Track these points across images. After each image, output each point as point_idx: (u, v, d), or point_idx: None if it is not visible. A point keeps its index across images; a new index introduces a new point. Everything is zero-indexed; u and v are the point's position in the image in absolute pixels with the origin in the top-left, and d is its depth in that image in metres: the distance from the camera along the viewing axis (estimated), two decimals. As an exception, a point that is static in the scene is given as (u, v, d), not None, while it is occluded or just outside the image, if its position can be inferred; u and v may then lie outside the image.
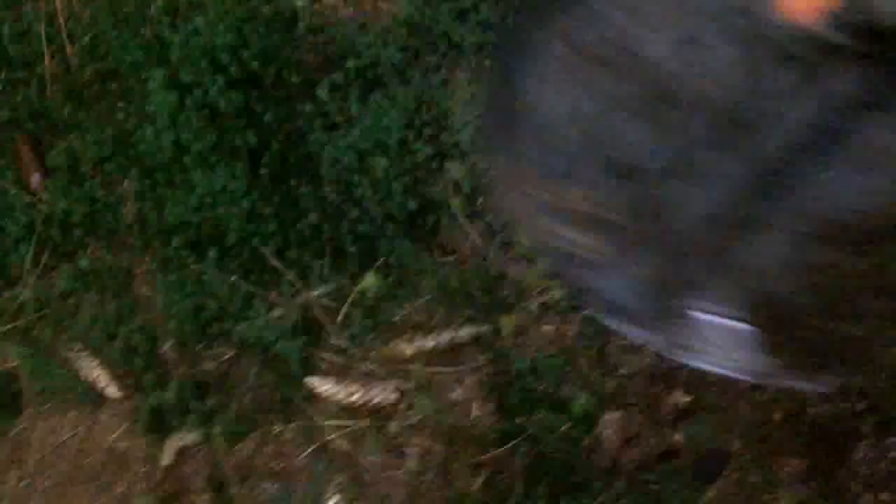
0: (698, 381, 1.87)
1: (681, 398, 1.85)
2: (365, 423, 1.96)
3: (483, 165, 1.94)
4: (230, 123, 2.00)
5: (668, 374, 1.88)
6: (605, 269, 0.95)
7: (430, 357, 1.96)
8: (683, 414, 1.86)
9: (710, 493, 1.82)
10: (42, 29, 2.21)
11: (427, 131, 1.99)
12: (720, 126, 0.85)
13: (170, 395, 2.00)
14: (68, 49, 2.19)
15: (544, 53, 0.93)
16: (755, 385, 1.82)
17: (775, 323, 0.91)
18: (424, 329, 1.97)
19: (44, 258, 2.09)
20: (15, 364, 2.10)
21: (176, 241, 1.99)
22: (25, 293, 2.09)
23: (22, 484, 2.06)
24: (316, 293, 1.97)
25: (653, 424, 1.86)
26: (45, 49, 2.19)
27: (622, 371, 1.90)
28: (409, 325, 1.98)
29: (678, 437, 1.85)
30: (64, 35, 2.19)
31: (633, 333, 1.00)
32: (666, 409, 1.86)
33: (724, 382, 1.85)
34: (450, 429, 1.93)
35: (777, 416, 1.81)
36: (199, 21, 2.04)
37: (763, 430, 1.82)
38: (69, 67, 2.19)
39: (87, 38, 2.20)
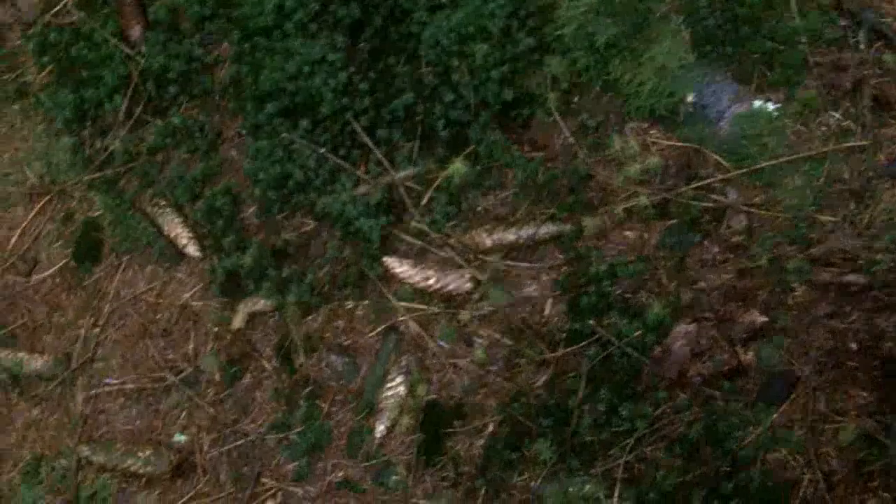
0: (777, 302, 2.03)
1: (757, 318, 2.02)
2: (437, 308, 2.17)
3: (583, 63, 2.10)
4: (334, -6, 2.19)
5: (747, 293, 2.05)
6: None
7: (509, 250, 2.15)
8: (757, 334, 2.03)
9: (774, 415, 2.00)
10: None
11: (531, 22, 2.16)
12: None
13: (247, 259, 2.22)
14: None
15: None
16: (834, 312, 1.98)
17: None
18: (506, 222, 2.16)
19: (137, 111, 2.32)
20: (99, 213, 2.35)
21: (269, 108, 2.20)
22: (115, 144, 2.33)
23: (95, 331, 2.33)
24: (402, 174, 2.17)
25: (724, 341, 2.03)
26: None
27: (700, 285, 2.07)
28: (491, 217, 2.18)
29: (749, 356, 2.02)
30: None
31: None
32: (740, 328, 2.03)
33: (802, 306, 2.02)
34: (520, 324, 2.13)
35: (852, 346, 1.97)
36: None
37: (836, 359, 1.99)
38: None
39: None
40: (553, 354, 2.09)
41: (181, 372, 2.26)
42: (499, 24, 2.14)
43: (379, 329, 2.19)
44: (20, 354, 2.34)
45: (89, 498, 2.27)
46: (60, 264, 2.36)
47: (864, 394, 1.96)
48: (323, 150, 2.18)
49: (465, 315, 2.14)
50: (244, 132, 2.27)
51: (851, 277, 1.94)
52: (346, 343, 2.21)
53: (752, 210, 2.06)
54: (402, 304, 2.17)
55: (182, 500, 2.22)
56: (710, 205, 2.07)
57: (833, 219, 2.01)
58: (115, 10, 2.37)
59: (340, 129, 2.19)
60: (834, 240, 1.98)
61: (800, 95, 2.08)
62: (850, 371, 1.96)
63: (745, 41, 2.12)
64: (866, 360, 1.93)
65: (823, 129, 2.08)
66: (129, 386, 2.29)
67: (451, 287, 2.14)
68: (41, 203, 2.39)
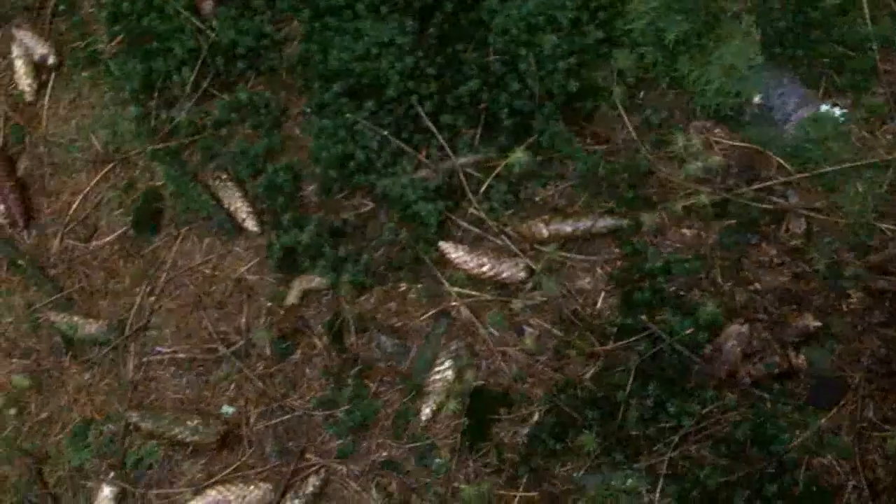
0: (831, 308, 2.12)
1: (811, 322, 2.11)
2: (490, 295, 2.29)
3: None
4: (406, -22, 2.31)
5: (802, 297, 2.14)
6: None
7: (565, 242, 2.26)
8: (809, 338, 2.12)
9: (823, 420, 2.09)
10: None
11: (601, 15, 2.26)
12: None
13: (305, 237, 2.35)
14: None
15: None
16: (889, 320, 2.07)
17: None
18: (564, 213, 2.27)
19: (204, 85, 2.45)
20: (160, 184, 2.49)
21: (336, 87, 2.32)
22: (181, 116, 2.46)
23: (150, 300, 2.47)
24: (463, 160, 2.29)
25: (776, 343, 2.12)
26: None
27: (755, 286, 2.17)
28: (549, 207, 2.29)
29: (800, 360, 2.12)
30: None
31: None
32: (793, 331, 2.12)
33: (857, 313, 2.11)
34: (571, 315, 2.24)
35: (905, 356, 2.06)
36: None
37: (887, 367, 2.07)
38: None
39: None
40: (603, 348, 2.20)
41: (232, 344, 2.39)
42: (569, 15, 2.25)
43: (430, 313, 2.31)
44: (75, 318, 2.48)
45: (135, 463, 2.40)
46: (120, 232, 2.50)
47: (915, 404, 2.04)
48: (386, 133, 2.30)
49: (517, 304, 2.26)
50: (309, 111, 2.40)
51: (908, 286, 2.02)
52: (397, 325, 2.33)
53: (813, 214, 2.16)
54: (455, 289, 2.29)
55: (226, 471, 2.35)
56: (770, 207, 2.17)
57: (893, 227, 2.10)
58: (187, -17, 2.51)
59: (404, 112, 2.31)
60: (893, 248, 2.07)
61: (867, 102, 2.17)
62: (902, 381, 2.05)
63: (815, 45, 2.21)
64: (919, 371, 2.02)
65: (889, 136, 2.16)
66: (181, 355, 2.42)
67: (504, 275, 2.25)
68: (104, 171, 2.53)
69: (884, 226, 2.10)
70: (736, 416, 2.12)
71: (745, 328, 2.11)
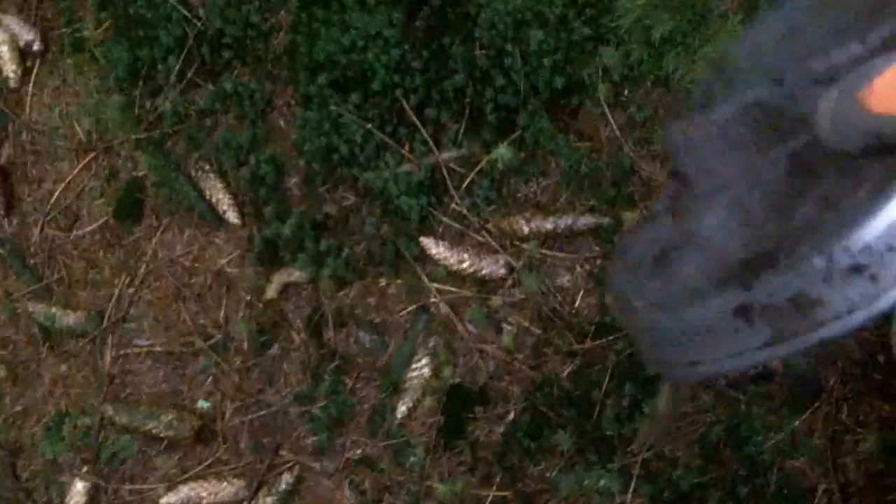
0: (808, 309, 2.35)
1: (787, 323, 2.33)
2: (469, 292, 2.52)
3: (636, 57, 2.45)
4: (395, -30, 2.56)
5: (780, 298, 2.37)
6: None
7: (546, 239, 2.50)
8: (786, 340, 2.34)
9: (797, 422, 2.31)
10: None
11: (589, 11, 2.50)
12: None
13: (286, 230, 2.59)
14: None
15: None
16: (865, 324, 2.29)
17: None
18: (545, 210, 2.51)
19: (189, 73, 2.70)
20: (143, 173, 2.74)
21: (321, 79, 2.57)
22: (166, 105, 2.71)
23: (129, 291, 2.72)
24: (446, 155, 2.53)
25: (753, 344, 2.35)
26: None
27: (734, 286, 2.39)
28: (531, 204, 2.53)
29: (776, 362, 2.34)
30: None
31: None
32: (770, 332, 2.34)
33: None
34: (550, 313, 2.47)
35: (881, 358, 2.27)
36: None
37: (864, 370, 2.30)
38: None
39: None
40: (581, 346, 2.43)
41: (210, 338, 2.63)
42: (556, 10, 2.49)
43: (410, 308, 2.55)
44: (54, 309, 2.73)
45: (109, 458, 2.65)
46: (101, 221, 2.75)
47: (888, 406, 2.26)
48: (370, 126, 2.55)
49: (496, 300, 2.49)
50: (294, 102, 2.64)
51: (886, 289, 2.24)
52: (376, 320, 2.57)
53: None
54: (435, 285, 2.52)
55: (200, 466, 2.59)
56: (752, 207, 2.40)
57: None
58: (177, -29, 2.77)
59: (389, 105, 2.55)
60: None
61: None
62: (877, 384, 2.26)
63: (804, 46, 2.44)
64: (893, 373, 2.23)
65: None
66: (158, 349, 2.67)
67: (485, 271, 2.49)
68: (87, 159, 2.78)
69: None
70: (711, 416, 2.34)
71: (722, 329, 2.33)
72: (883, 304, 1.02)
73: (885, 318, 1.86)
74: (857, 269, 0.99)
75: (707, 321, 1.04)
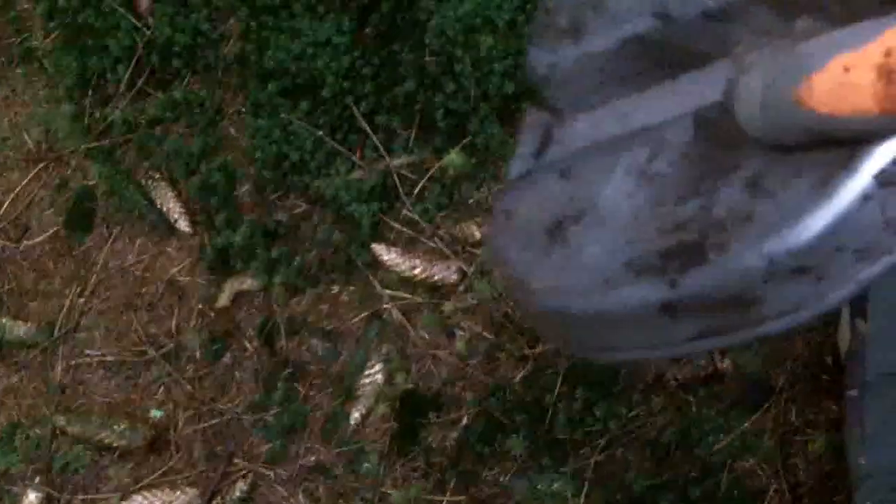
0: (757, 311, 2.38)
1: (736, 325, 2.36)
2: (421, 298, 2.54)
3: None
4: (344, -22, 2.58)
5: (729, 300, 2.39)
6: None
7: (498, 244, 2.51)
8: (736, 342, 2.37)
9: (747, 424, 2.34)
10: None
11: (537, 17, 2.53)
12: None
13: (238, 238, 2.60)
14: None
15: None
16: (813, 325, 2.33)
17: None
18: (497, 215, 2.53)
19: (139, 83, 2.71)
20: (93, 183, 2.74)
21: (271, 87, 2.58)
22: (116, 114, 2.72)
23: (80, 301, 2.72)
24: (397, 162, 2.55)
25: (703, 347, 2.38)
26: None
27: (684, 289, 2.42)
28: (483, 209, 2.54)
29: (726, 363, 2.37)
30: None
31: None
32: (719, 334, 2.37)
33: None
34: (502, 318, 2.49)
35: (828, 360, 2.31)
36: None
37: (812, 371, 2.33)
38: None
39: None
40: (532, 350, 2.45)
41: (162, 347, 2.63)
42: (505, 16, 2.51)
43: (362, 315, 2.56)
44: (4, 320, 2.72)
45: (62, 468, 2.64)
46: (51, 231, 2.74)
47: (836, 407, 2.30)
48: (321, 133, 2.56)
49: (448, 306, 2.51)
50: (244, 110, 2.65)
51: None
52: (328, 328, 2.57)
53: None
54: (388, 291, 2.54)
55: (153, 476, 2.59)
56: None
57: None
58: (125, -21, 2.77)
59: (340, 112, 2.57)
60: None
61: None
62: (825, 384, 2.30)
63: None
64: (841, 374, 2.27)
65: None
66: (110, 358, 2.66)
67: (437, 277, 2.51)
68: (36, 169, 2.78)
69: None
70: (662, 419, 2.37)
71: (672, 331, 2.36)
72: (829, 303, 0.96)
73: (832, 316, 1.88)
74: (801, 271, 0.93)
75: (626, 311, 1.01)
